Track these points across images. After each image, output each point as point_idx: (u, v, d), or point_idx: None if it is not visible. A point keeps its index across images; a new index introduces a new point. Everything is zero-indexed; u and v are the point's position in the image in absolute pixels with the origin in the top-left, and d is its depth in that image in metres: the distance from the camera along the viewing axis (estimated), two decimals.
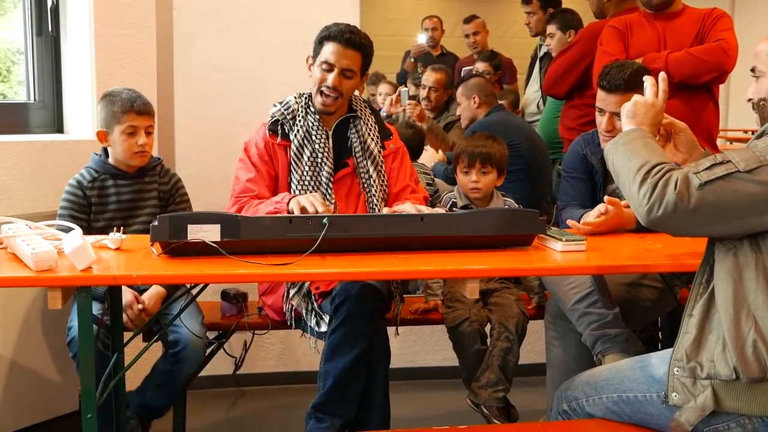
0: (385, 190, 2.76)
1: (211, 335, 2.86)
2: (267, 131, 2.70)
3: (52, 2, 3.10)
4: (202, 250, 1.97)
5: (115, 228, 2.18)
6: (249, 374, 3.46)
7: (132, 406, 2.67)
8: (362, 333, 2.44)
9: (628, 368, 1.97)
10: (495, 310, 2.85)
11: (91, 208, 2.68)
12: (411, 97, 4.49)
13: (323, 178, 2.67)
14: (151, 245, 2.05)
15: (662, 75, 2.04)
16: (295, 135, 2.68)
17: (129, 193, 2.73)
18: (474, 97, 4.03)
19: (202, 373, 2.90)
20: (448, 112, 4.57)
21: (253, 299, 2.94)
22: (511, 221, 2.14)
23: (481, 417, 2.75)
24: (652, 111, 1.95)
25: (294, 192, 2.65)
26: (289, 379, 3.61)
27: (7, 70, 3.26)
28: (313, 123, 2.69)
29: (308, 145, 2.68)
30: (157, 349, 2.64)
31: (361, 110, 2.77)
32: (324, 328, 2.56)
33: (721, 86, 3.38)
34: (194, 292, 2.35)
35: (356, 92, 2.78)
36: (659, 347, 2.92)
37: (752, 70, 1.89)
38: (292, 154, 2.68)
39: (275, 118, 2.70)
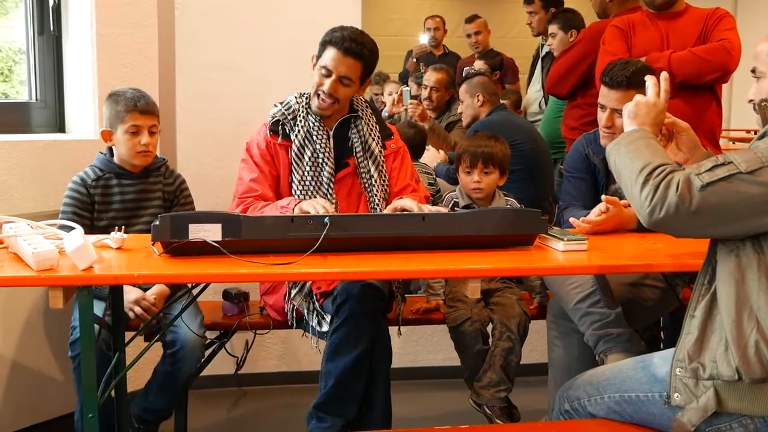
0: (386, 190, 2.76)
1: (213, 335, 2.86)
2: (268, 131, 2.70)
3: (54, 2, 3.10)
4: (203, 249, 1.97)
5: (116, 227, 2.17)
6: (250, 374, 3.46)
7: (135, 413, 2.67)
8: (364, 333, 2.44)
9: (630, 368, 1.97)
10: (497, 309, 2.85)
11: (94, 207, 2.68)
12: (413, 97, 4.50)
13: (324, 178, 2.67)
14: (153, 245, 2.05)
15: (664, 75, 2.03)
16: (296, 135, 2.68)
17: (133, 193, 2.73)
18: (478, 95, 4.03)
19: (204, 373, 2.90)
20: (450, 111, 4.58)
21: (254, 299, 2.93)
22: (512, 221, 2.14)
23: (483, 417, 2.75)
24: (654, 111, 1.95)
25: (295, 192, 2.65)
26: (291, 379, 3.61)
27: (9, 70, 3.26)
28: (314, 123, 2.69)
29: (309, 146, 2.68)
30: (158, 349, 2.63)
31: (362, 110, 2.77)
32: (326, 327, 2.56)
33: (723, 86, 3.38)
34: (195, 291, 2.35)
35: None
36: (661, 347, 2.92)
37: (753, 71, 1.88)
38: (293, 154, 2.67)
39: (276, 118, 2.70)
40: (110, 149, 2.74)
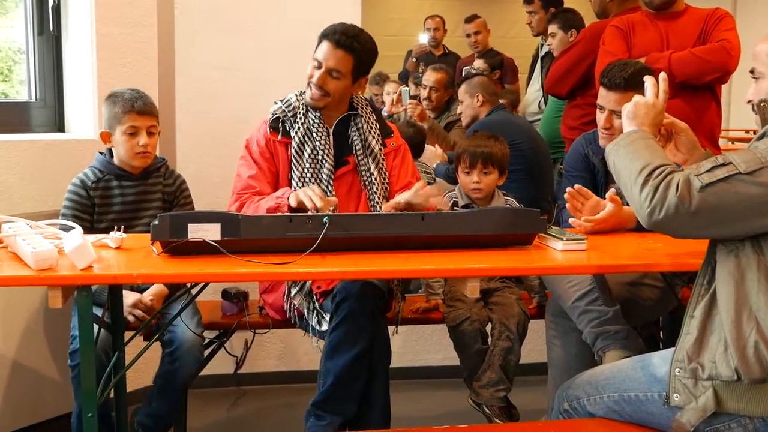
0: (386, 188, 2.76)
1: (212, 334, 2.86)
2: (268, 128, 2.70)
3: (54, 1, 3.10)
4: (202, 249, 1.97)
5: (115, 227, 2.17)
6: (250, 373, 3.46)
7: (139, 422, 2.66)
8: (363, 331, 2.44)
9: (630, 368, 1.97)
10: (496, 309, 2.85)
11: (94, 209, 2.67)
12: (412, 97, 4.50)
13: (324, 176, 2.67)
14: (152, 244, 2.05)
15: (663, 75, 2.03)
16: (296, 132, 2.68)
17: (133, 194, 2.72)
18: (478, 95, 4.03)
19: (203, 373, 2.89)
20: (449, 111, 4.58)
21: (253, 298, 2.93)
22: (512, 220, 2.14)
23: (483, 416, 2.75)
24: (653, 111, 1.95)
25: (295, 189, 2.64)
26: (290, 379, 3.61)
27: (9, 70, 3.27)
28: (313, 120, 2.69)
29: (309, 143, 2.68)
30: (157, 349, 2.64)
31: (361, 108, 2.77)
32: (325, 326, 2.56)
33: (723, 86, 3.38)
34: (194, 291, 2.35)
35: None
36: (660, 346, 2.92)
37: (751, 72, 1.89)
38: (293, 151, 2.68)
39: (276, 115, 2.71)
40: (110, 150, 2.74)
